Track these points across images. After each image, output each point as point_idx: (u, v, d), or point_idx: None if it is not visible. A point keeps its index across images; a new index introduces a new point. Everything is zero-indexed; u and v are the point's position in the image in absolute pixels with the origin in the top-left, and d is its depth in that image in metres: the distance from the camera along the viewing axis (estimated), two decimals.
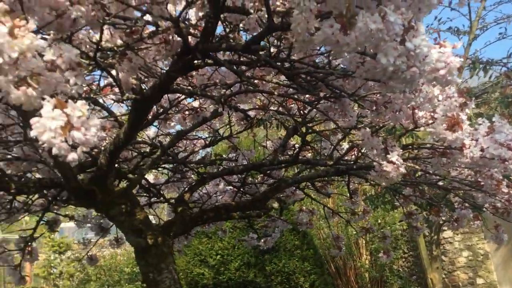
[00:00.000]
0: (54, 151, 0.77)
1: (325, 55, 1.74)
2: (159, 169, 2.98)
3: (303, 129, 2.21)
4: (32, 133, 0.77)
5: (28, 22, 0.77)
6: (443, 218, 2.99)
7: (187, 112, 2.56)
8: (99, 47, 1.38)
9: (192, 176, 3.11)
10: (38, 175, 2.79)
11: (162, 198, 2.90)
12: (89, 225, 3.25)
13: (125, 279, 6.30)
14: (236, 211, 2.33)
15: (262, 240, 3.34)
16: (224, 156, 2.79)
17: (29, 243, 2.76)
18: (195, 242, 4.79)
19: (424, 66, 0.99)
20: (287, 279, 4.50)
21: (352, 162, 2.33)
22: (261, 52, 1.29)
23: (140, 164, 2.69)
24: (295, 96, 1.84)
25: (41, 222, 2.89)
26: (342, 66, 1.70)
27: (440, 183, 2.51)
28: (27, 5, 1.02)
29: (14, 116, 2.30)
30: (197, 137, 2.72)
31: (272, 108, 2.22)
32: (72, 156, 0.79)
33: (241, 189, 2.76)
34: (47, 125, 0.76)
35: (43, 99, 0.84)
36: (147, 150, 2.57)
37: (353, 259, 6.43)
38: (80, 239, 6.48)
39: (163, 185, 3.00)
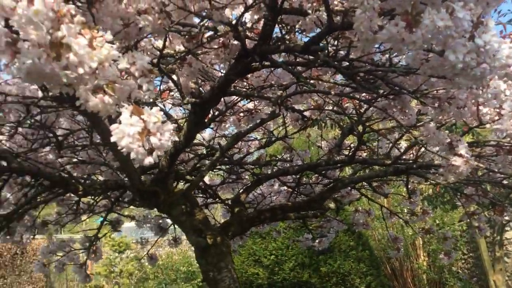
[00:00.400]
0: (132, 155, 0.81)
1: (385, 52, 1.71)
2: (215, 170, 3.04)
3: (360, 128, 2.18)
4: (112, 139, 0.81)
5: (105, 33, 0.82)
6: (507, 218, 2.87)
7: (242, 114, 2.59)
8: (162, 53, 1.43)
9: (247, 177, 3.15)
10: (101, 178, 2.93)
11: (218, 199, 2.95)
12: (149, 225, 3.37)
13: (182, 277, 6.46)
14: (292, 211, 2.34)
15: (317, 241, 3.32)
16: (278, 157, 2.80)
17: (94, 243, 2.90)
18: (249, 242, 4.84)
19: (495, 62, 0.96)
20: (342, 280, 4.45)
21: (411, 161, 2.28)
22: (319, 53, 1.29)
23: (197, 165, 2.76)
24: (353, 95, 1.83)
25: (105, 222, 3.02)
26: (401, 63, 1.67)
27: (505, 181, 2.41)
28: (97, 16, 1.07)
29: (80, 121, 2.43)
30: (252, 138, 2.75)
31: (327, 108, 2.21)
32: (149, 160, 0.82)
33: (296, 190, 2.76)
34: (125, 131, 0.80)
35: (118, 105, 0.89)
36: (204, 152, 2.63)
37: (410, 260, 6.26)
38: (138, 238, 6.71)
39: (218, 186, 3.06)
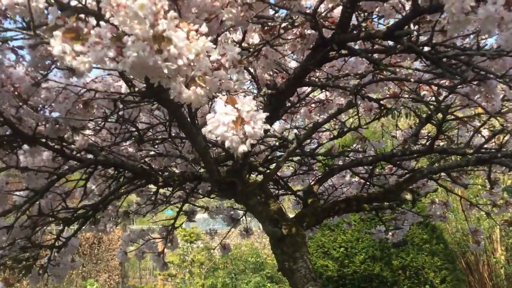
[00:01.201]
0: (227, 144, 0.84)
1: (466, 36, 1.64)
2: (286, 162, 3.06)
3: (439, 116, 2.10)
4: (207, 128, 0.84)
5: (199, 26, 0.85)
6: None
7: (313, 105, 2.58)
8: (241, 46, 1.45)
9: (317, 168, 3.14)
10: (175, 170, 3.04)
11: (289, 191, 2.97)
12: (221, 215, 3.46)
13: (250, 268, 6.57)
14: (367, 202, 2.30)
15: (390, 233, 3.25)
16: (351, 147, 2.76)
17: (171, 232, 3.02)
18: (318, 234, 4.82)
19: None
20: (415, 274, 4.32)
21: (494, 150, 2.17)
22: (403, 38, 1.25)
23: (269, 157, 2.78)
24: (434, 82, 1.76)
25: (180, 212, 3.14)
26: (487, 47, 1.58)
27: None
28: (182, 11, 1.11)
29: (158, 116, 2.53)
30: (323, 129, 2.73)
31: (403, 96, 2.14)
32: (242, 148, 0.84)
33: (369, 181, 2.71)
34: (221, 120, 0.83)
35: (210, 96, 0.92)
36: (276, 143, 2.65)
37: (487, 254, 5.96)
38: (207, 229, 6.91)
39: (289, 178, 3.07)
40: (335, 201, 2.32)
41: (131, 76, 1.53)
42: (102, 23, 0.79)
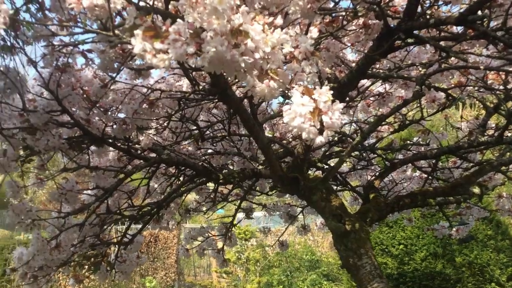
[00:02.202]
0: (304, 135, 0.83)
1: None
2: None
3: (508, 105, 1.99)
4: (284, 120, 0.84)
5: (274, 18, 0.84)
6: None
7: (372, 99, 2.53)
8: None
9: (376, 163, 3.07)
10: (231, 168, 3.07)
11: (348, 186, 2.92)
12: (278, 213, 3.46)
13: (305, 266, 6.53)
14: (433, 197, 2.22)
15: (454, 229, 3.12)
16: (413, 140, 2.68)
17: (230, 229, 3.05)
18: (375, 232, 4.73)
19: None
20: (480, 272, 4.14)
21: None
22: (477, 23, 1.20)
23: (326, 153, 2.75)
24: (504, 68, 1.67)
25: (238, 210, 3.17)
26: None
27: None
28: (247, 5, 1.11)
29: (217, 115, 2.57)
30: (384, 122, 2.66)
31: (470, 85, 2.05)
32: (320, 139, 0.83)
33: (432, 175, 2.62)
34: (297, 111, 0.82)
35: (283, 89, 0.91)
36: (335, 138, 2.61)
37: None
38: (261, 228, 6.95)
39: (347, 173, 3.02)
40: (399, 196, 2.25)
41: (206, 72, 1.56)
42: (179, 20, 0.80)
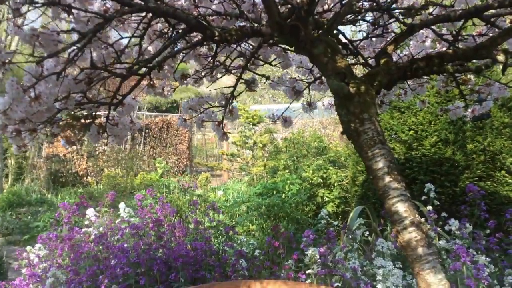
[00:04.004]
0: None
1: None
2: (356, 25, 2.72)
3: None
4: None
5: None
6: None
7: None
8: None
9: (395, 30, 2.78)
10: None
11: (359, 57, 2.67)
12: (283, 87, 3.26)
13: (313, 153, 6.51)
14: (453, 60, 1.98)
15: (469, 110, 2.92)
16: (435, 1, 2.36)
17: (230, 101, 2.89)
18: (386, 117, 4.55)
19: None
20: (491, 159, 4.01)
21: None
22: None
23: (336, 19, 2.46)
24: None
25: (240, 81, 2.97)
26: None
27: None
28: None
29: None
30: None
31: None
32: None
33: (454, 44, 2.35)
34: None
35: None
36: None
37: None
38: (269, 115, 6.83)
39: (361, 42, 2.75)
40: (414, 59, 2.02)
41: None
42: None
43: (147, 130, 13.77)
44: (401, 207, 1.79)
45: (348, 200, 5.85)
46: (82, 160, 12.09)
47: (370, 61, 2.69)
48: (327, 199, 5.63)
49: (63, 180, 11.61)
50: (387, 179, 1.83)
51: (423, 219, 3.33)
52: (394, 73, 2.00)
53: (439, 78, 3.01)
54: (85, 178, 11.89)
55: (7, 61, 1.75)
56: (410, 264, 1.75)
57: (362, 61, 2.66)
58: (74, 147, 11.89)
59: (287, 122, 3.54)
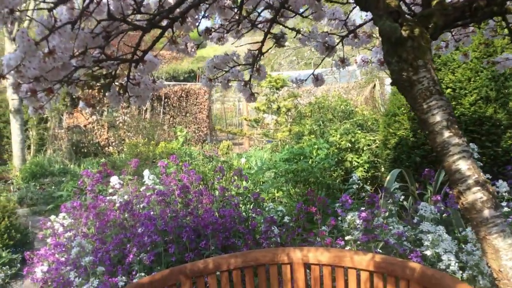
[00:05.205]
0: None
1: None
2: None
3: None
4: None
5: None
6: None
7: None
8: None
9: None
10: None
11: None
12: (315, 43, 3.03)
13: (339, 117, 6.27)
14: None
15: None
16: None
17: (258, 58, 2.68)
18: None
19: None
20: None
21: None
22: None
23: None
24: None
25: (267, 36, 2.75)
26: None
27: None
28: None
29: None
30: None
31: None
32: None
33: None
34: None
35: None
36: None
37: None
38: (293, 79, 6.56)
39: None
40: None
41: None
42: None
43: (166, 100, 13.64)
44: (463, 165, 1.58)
45: (377, 165, 5.63)
46: (103, 130, 12.06)
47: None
48: (356, 164, 5.42)
49: (85, 150, 11.63)
50: (446, 134, 1.61)
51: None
52: (451, 14, 1.75)
53: (487, 27, 2.73)
54: (106, 148, 11.89)
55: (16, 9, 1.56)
56: (473, 228, 1.56)
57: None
58: (94, 117, 11.85)
59: (318, 80, 3.30)
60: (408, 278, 1.82)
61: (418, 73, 1.67)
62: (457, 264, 2.17)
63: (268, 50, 3.05)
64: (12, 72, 1.76)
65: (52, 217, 3.88)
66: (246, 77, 2.81)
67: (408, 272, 1.81)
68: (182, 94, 13.92)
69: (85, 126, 12.06)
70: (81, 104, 2.15)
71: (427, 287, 1.74)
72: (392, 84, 1.80)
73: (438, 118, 1.62)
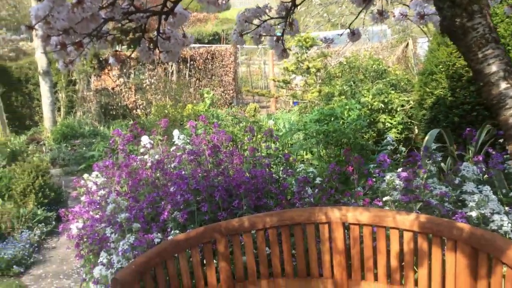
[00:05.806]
0: None
1: None
2: None
3: None
4: None
5: None
6: None
7: None
8: None
9: None
10: None
11: None
12: None
13: (371, 77, 6.06)
14: None
15: None
16: None
17: (291, 11, 2.55)
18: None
19: None
20: None
21: None
22: None
23: None
24: None
25: None
26: None
27: None
28: None
29: None
30: None
31: None
32: None
33: None
34: None
35: None
36: None
37: None
38: (322, 38, 6.35)
39: None
40: None
41: None
42: None
43: (192, 62, 13.52)
44: None
45: (411, 126, 5.46)
46: (130, 93, 12.10)
47: None
48: (389, 125, 5.27)
49: (113, 113, 11.73)
50: (503, 85, 1.49)
51: None
52: None
53: None
54: (134, 111, 11.95)
55: None
56: None
57: None
58: (122, 79, 11.88)
59: (355, 35, 3.15)
60: (455, 239, 1.74)
61: (473, 19, 1.53)
62: (510, 224, 2.05)
63: (302, 1, 2.91)
64: (41, 23, 1.71)
65: (85, 175, 3.91)
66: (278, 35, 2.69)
67: (455, 232, 1.73)
68: (208, 57, 13.76)
69: (112, 88, 12.12)
70: (110, 59, 2.10)
71: (475, 248, 1.66)
72: (442, 31, 1.67)
73: (494, 68, 1.50)
